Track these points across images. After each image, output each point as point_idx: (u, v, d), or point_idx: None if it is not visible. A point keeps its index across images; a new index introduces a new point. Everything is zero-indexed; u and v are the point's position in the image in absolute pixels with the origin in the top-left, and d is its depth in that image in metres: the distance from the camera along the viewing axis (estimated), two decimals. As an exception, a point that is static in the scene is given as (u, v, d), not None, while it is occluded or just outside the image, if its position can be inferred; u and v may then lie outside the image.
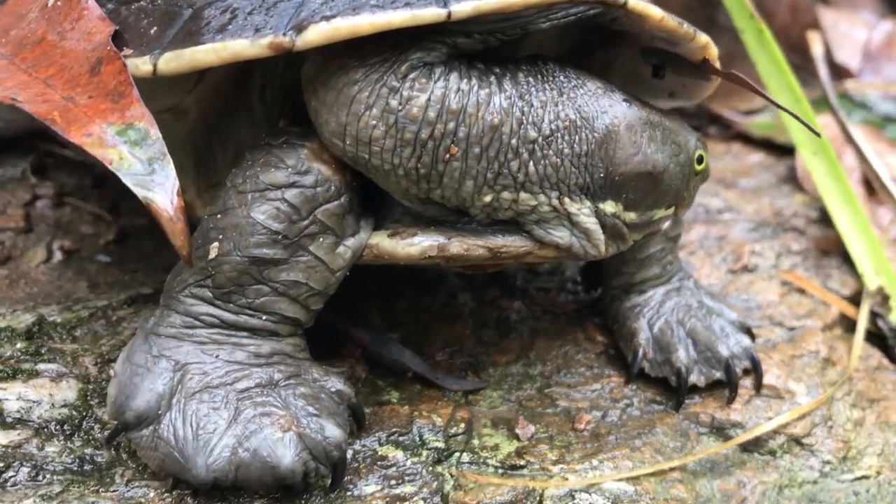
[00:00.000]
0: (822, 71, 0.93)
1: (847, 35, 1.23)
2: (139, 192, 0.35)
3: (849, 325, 0.71)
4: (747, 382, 0.58)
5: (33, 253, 0.63)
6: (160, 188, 0.35)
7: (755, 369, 0.57)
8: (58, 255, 0.63)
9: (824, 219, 0.85)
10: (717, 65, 0.50)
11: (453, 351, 0.57)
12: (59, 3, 0.46)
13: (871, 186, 0.90)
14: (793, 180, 0.95)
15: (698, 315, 0.57)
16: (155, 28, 0.42)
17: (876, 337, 0.72)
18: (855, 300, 0.73)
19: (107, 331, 0.51)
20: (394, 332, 0.56)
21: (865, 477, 0.56)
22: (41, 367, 0.47)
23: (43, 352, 0.49)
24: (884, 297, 0.73)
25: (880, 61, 1.16)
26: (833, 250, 0.77)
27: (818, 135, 0.54)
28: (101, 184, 0.75)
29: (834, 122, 0.96)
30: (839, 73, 1.13)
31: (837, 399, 0.60)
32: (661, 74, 0.55)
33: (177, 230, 0.36)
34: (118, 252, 0.64)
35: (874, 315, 0.71)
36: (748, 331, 0.59)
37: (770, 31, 1.06)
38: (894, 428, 0.62)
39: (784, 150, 1.05)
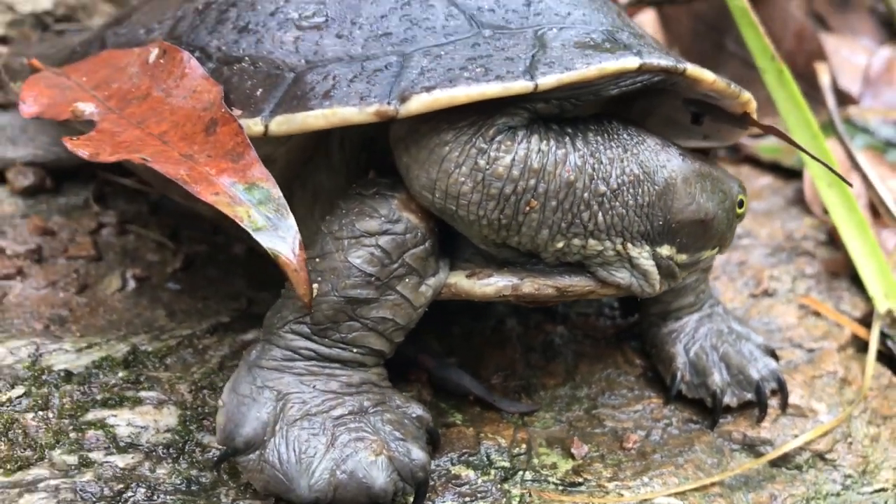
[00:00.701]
0: (830, 101, 0.98)
1: (848, 61, 1.29)
2: (267, 247, 0.39)
3: (860, 345, 0.76)
4: (774, 402, 0.63)
5: (108, 281, 0.67)
6: (285, 243, 0.40)
7: (781, 390, 0.62)
8: (131, 283, 0.67)
9: (832, 241, 0.90)
10: (755, 116, 0.55)
11: (506, 374, 0.62)
12: (161, 60, 0.50)
13: (877, 211, 0.96)
14: (801, 203, 1.00)
15: (729, 340, 0.62)
16: (260, 90, 0.46)
17: (886, 357, 0.78)
18: (866, 322, 0.78)
19: (195, 359, 0.56)
20: (451, 357, 0.61)
21: (883, 489, 0.61)
22: (142, 394, 0.52)
23: (142, 380, 0.53)
24: (893, 320, 0.79)
25: (880, 86, 1.21)
26: (841, 272, 0.83)
27: (850, 185, 0.59)
28: (158, 210, 0.79)
29: (840, 147, 1.02)
30: (841, 98, 1.18)
31: (855, 417, 0.65)
32: (700, 121, 0.60)
33: (301, 280, 0.40)
34: (186, 279, 0.68)
35: (884, 336, 0.77)
36: (773, 353, 0.64)
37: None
38: (888, 428, 0.67)
39: (791, 174, 1.10)
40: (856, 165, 0.92)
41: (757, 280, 0.76)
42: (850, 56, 1.24)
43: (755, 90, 1.12)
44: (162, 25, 0.54)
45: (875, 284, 0.76)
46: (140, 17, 0.59)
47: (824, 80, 0.98)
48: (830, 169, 0.57)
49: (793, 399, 0.65)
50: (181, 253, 0.71)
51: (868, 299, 0.78)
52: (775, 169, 1.07)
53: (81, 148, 0.44)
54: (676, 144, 0.51)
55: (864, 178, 0.92)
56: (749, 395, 0.60)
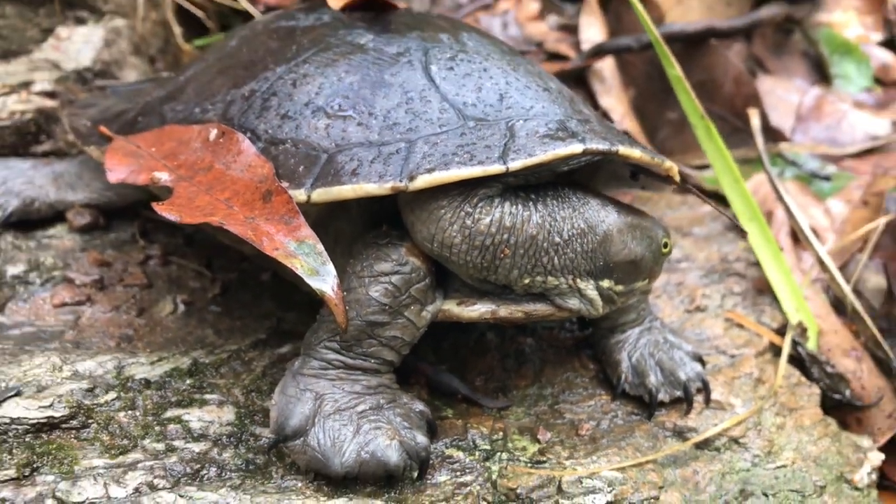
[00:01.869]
0: (759, 142, 1.14)
1: (782, 100, 1.45)
2: (316, 287, 0.54)
3: (776, 351, 0.92)
4: (700, 398, 0.79)
5: (161, 305, 0.81)
6: (327, 284, 0.54)
7: (705, 389, 0.77)
8: (180, 307, 0.81)
9: (759, 264, 1.07)
10: (678, 178, 0.70)
11: (486, 377, 0.77)
12: (220, 139, 0.65)
13: (797, 236, 1.12)
14: (736, 227, 1.17)
15: (664, 349, 0.78)
16: (301, 167, 0.61)
17: (797, 360, 0.93)
18: (781, 332, 0.94)
19: (243, 368, 0.70)
20: (443, 365, 0.76)
21: (784, 466, 0.76)
22: (206, 397, 0.66)
23: (204, 386, 0.67)
24: (803, 330, 0.94)
25: (809, 123, 1.38)
26: (766, 290, 0.99)
27: (744, 233, 0.75)
28: (192, 243, 0.93)
29: (767, 183, 1.18)
30: (775, 135, 1.34)
31: (765, 409, 0.80)
32: (637, 178, 0.75)
33: (339, 311, 0.55)
34: (224, 303, 0.83)
35: (795, 343, 0.92)
36: (700, 359, 0.80)
37: (714, 107, 1.29)
38: (806, 430, 0.82)
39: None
40: (780, 197, 1.08)
41: (691, 298, 0.92)
42: (784, 95, 1.41)
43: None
44: (215, 107, 0.69)
45: (788, 301, 0.92)
46: (191, 96, 0.73)
47: (755, 122, 1.14)
48: (731, 219, 0.73)
49: (714, 395, 0.80)
50: (218, 280, 0.85)
51: (784, 313, 0.95)
52: (716, 197, 1.23)
53: (169, 212, 0.59)
54: (614, 201, 0.66)
55: (787, 208, 1.08)
56: (679, 393, 0.76)
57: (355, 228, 0.65)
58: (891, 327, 1.01)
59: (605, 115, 1.31)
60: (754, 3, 1.37)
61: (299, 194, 0.58)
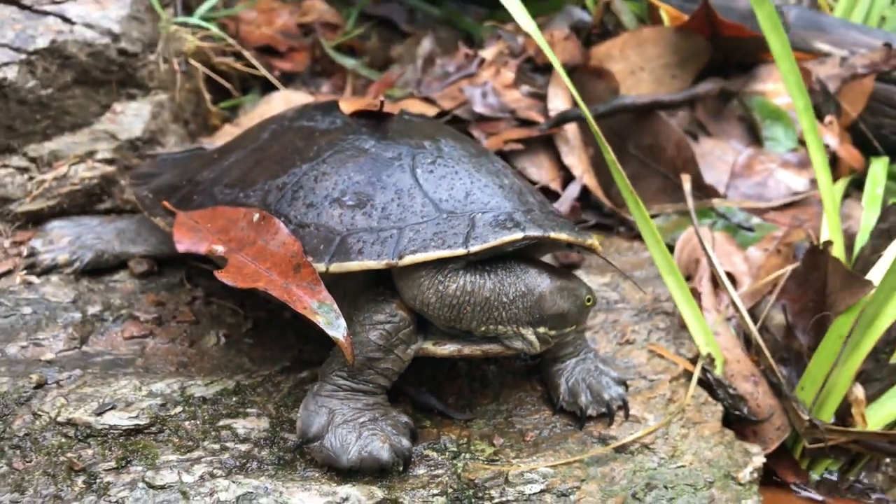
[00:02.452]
0: (690, 203, 1.37)
1: (719, 159, 1.67)
2: (331, 335, 0.77)
3: (689, 377, 1.15)
4: (620, 413, 1.02)
5: (207, 338, 1.04)
6: (340, 332, 0.77)
7: (625, 406, 0.99)
8: (222, 340, 1.04)
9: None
10: (599, 250, 0.94)
11: (457, 396, 0.99)
12: (261, 222, 0.88)
13: (717, 282, 1.35)
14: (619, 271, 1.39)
15: (594, 375, 1.01)
16: (322, 246, 0.84)
17: (706, 384, 1.16)
18: (694, 361, 1.18)
19: (273, 389, 0.93)
20: (424, 387, 0.99)
21: (683, 466, 0.97)
22: (248, 410, 0.89)
23: (246, 402, 0.90)
24: (711, 359, 1.17)
25: (741, 180, 1.61)
26: (685, 327, 1.22)
27: (642, 291, 0.98)
28: (227, 287, 1.16)
29: (698, 234, 1.41)
30: (709, 191, 1.58)
31: (673, 422, 1.03)
32: (573, 248, 0.99)
33: (348, 352, 0.78)
34: (256, 336, 1.05)
35: (704, 370, 1.15)
36: (623, 383, 1.03)
37: (660, 167, 1.52)
38: (706, 439, 1.04)
39: (669, 248, 1.51)
40: (703, 249, 1.32)
41: (622, 333, 1.15)
42: (721, 155, 1.63)
43: (648, 183, 1.52)
44: (255, 194, 0.92)
45: (699, 336, 1.15)
46: (236, 182, 0.96)
47: (686, 187, 1.38)
48: (620, 271, 0.96)
49: (633, 412, 1.02)
50: (249, 317, 1.08)
51: (696, 346, 1.18)
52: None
53: (227, 278, 0.82)
54: (549, 268, 0.90)
55: (708, 257, 1.31)
56: (603, 409, 0.98)
57: (359, 288, 0.88)
58: (789, 357, 1.24)
59: (568, 172, 1.55)
60: (696, 76, 1.61)
61: (320, 266, 0.82)
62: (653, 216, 1.47)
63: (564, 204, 1.47)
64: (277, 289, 0.80)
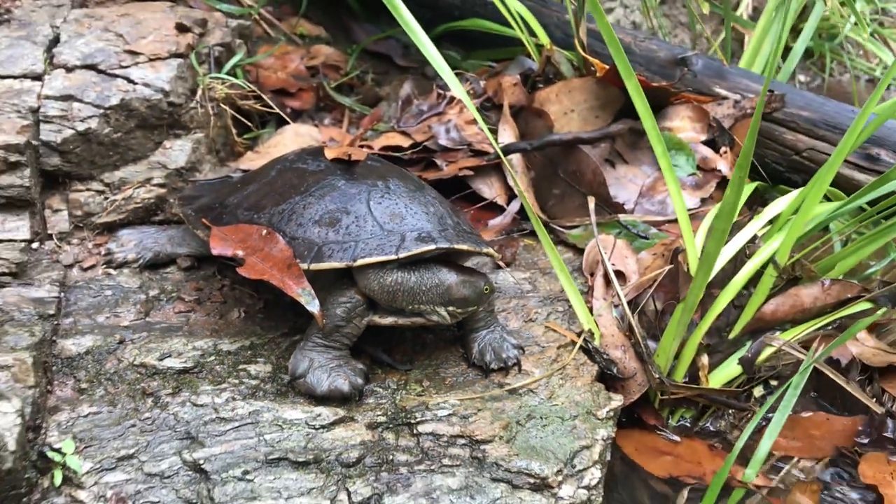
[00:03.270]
0: (593, 217, 1.78)
1: (632, 181, 2.07)
2: (310, 310, 1.22)
3: (573, 345, 1.57)
4: (516, 369, 1.45)
5: (232, 313, 1.48)
6: (315, 307, 1.22)
7: (518, 364, 1.37)
8: (242, 314, 1.47)
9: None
10: (497, 258, 1.38)
11: (402, 354, 1.43)
12: (267, 235, 1.33)
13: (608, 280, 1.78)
14: (579, 270, 1.83)
15: (498, 341, 1.41)
16: (305, 252, 1.28)
17: (587, 352, 1.59)
18: (579, 335, 1.61)
19: (276, 346, 1.37)
20: (379, 347, 1.44)
21: (556, 405, 1.35)
22: (258, 359, 1.33)
23: (257, 354, 1.34)
24: (591, 333, 1.60)
25: (646, 199, 2.02)
26: (580, 310, 1.65)
27: (500, 267, 1.42)
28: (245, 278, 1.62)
29: (600, 241, 1.84)
30: (618, 208, 2.00)
31: (555, 375, 1.46)
32: (481, 254, 1.43)
33: (320, 320, 1.23)
34: (265, 312, 1.49)
35: (585, 341, 1.58)
36: (520, 348, 1.41)
37: (580, 188, 1.95)
38: (578, 388, 1.37)
39: (580, 251, 1.94)
40: (600, 253, 1.75)
41: (528, 314, 1.57)
42: (633, 178, 2.05)
43: (572, 200, 1.94)
44: (264, 216, 1.36)
45: (582, 316, 1.58)
46: (252, 206, 1.40)
47: (591, 206, 1.80)
48: (496, 258, 1.40)
49: (525, 367, 1.42)
50: (261, 299, 1.52)
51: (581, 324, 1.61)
52: (576, 249, 1.89)
53: (245, 272, 1.27)
54: (459, 268, 1.34)
55: (602, 259, 1.74)
56: (502, 364, 1.36)
57: (331, 280, 1.30)
58: (657, 335, 1.68)
59: (512, 191, 1.98)
60: (614, 117, 2.04)
61: (304, 266, 1.26)
62: (573, 227, 1.89)
63: (508, 216, 1.91)
64: (276, 280, 1.25)
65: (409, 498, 1.16)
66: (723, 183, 1.99)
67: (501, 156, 1.49)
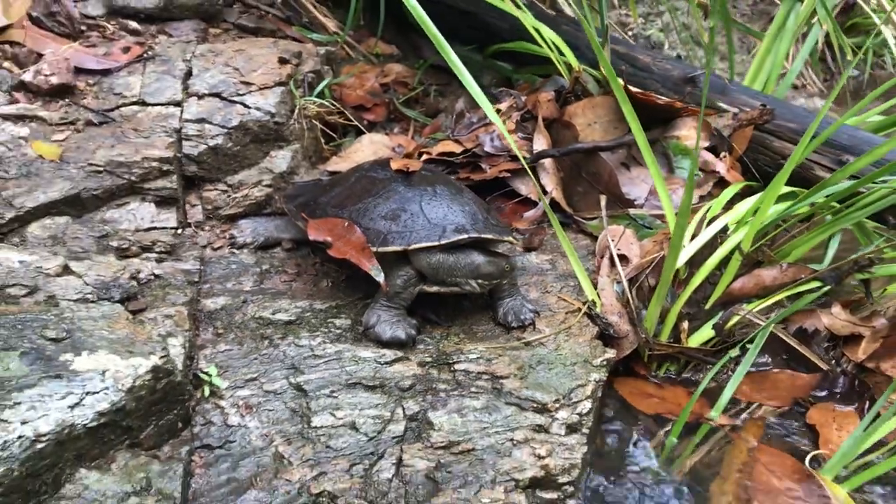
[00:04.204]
0: (604, 213, 2.23)
1: (644, 181, 2.53)
2: (378, 279, 1.72)
3: (579, 311, 2.04)
4: (531, 327, 1.92)
5: (323, 283, 1.99)
6: (381, 278, 1.71)
7: (533, 324, 1.78)
8: (329, 284, 1.99)
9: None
10: (515, 243, 1.85)
11: (446, 315, 1.93)
12: (348, 226, 1.84)
13: (613, 261, 2.22)
14: (593, 253, 2.29)
15: (518, 307, 1.87)
16: (374, 238, 1.77)
17: (590, 317, 2.05)
18: (585, 304, 2.06)
19: (353, 307, 1.86)
20: (428, 308, 1.93)
21: (561, 354, 1.83)
22: (341, 315, 1.83)
23: (340, 312, 1.84)
24: (594, 303, 2.05)
25: (654, 196, 2.46)
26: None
27: (515, 247, 1.89)
28: (331, 259, 2.13)
29: (609, 231, 2.29)
30: (630, 203, 2.44)
31: (562, 333, 1.93)
32: (503, 240, 1.91)
33: (385, 288, 1.73)
34: (347, 282, 1.99)
35: (590, 308, 2.04)
36: (536, 312, 1.86)
37: (598, 187, 2.40)
38: (580, 344, 1.85)
39: (595, 238, 2.39)
40: (608, 239, 2.19)
41: (545, 287, 2.02)
42: (645, 179, 2.49)
43: (592, 197, 2.43)
44: (346, 212, 1.87)
45: (587, 290, 2.04)
46: (337, 203, 1.91)
47: (603, 203, 2.25)
48: (515, 242, 1.87)
49: (539, 326, 1.90)
50: (344, 273, 2.04)
51: (587, 296, 2.07)
52: (592, 236, 2.35)
53: (333, 253, 1.77)
54: (487, 251, 1.81)
55: (608, 245, 2.19)
56: (521, 324, 1.85)
57: (393, 259, 1.81)
58: (646, 306, 2.12)
59: (543, 189, 2.45)
60: (629, 128, 2.47)
61: (374, 249, 1.76)
62: (592, 218, 2.35)
63: (539, 210, 2.38)
64: (355, 259, 1.75)
65: (445, 412, 1.65)
66: (720, 182, 2.41)
67: (525, 164, 1.96)
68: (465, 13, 2.86)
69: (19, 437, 1.18)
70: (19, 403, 1.26)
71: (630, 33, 4.50)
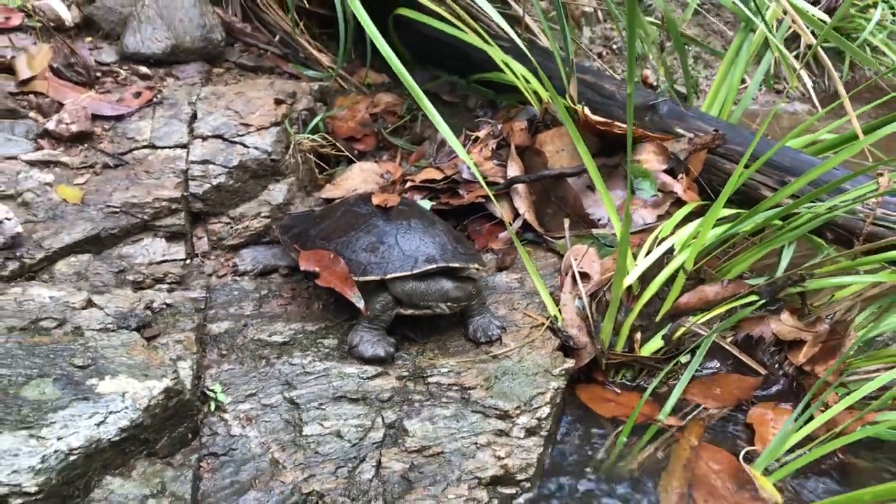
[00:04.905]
0: (566, 234, 2.48)
1: (596, 203, 2.79)
2: (358, 306, 1.98)
3: (542, 326, 2.29)
4: (498, 342, 2.17)
5: (314, 306, 2.25)
6: (361, 305, 1.98)
7: (499, 339, 2.02)
8: (320, 307, 2.26)
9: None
10: (482, 268, 2.10)
11: (421, 332, 2.19)
12: (334, 257, 2.10)
13: (575, 279, 2.47)
14: (559, 270, 2.54)
15: (486, 323, 2.11)
16: (356, 269, 2.03)
17: (553, 331, 2.30)
18: (548, 319, 2.31)
19: (340, 328, 2.13)
20: (406, 328, 2.19)
21: (524, 365, 2.10)
22: (329, 336, 2.10)
23: (328, 333, 2.10)
24: (555, 318, 2.30)
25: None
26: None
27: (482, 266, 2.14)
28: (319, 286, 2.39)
29: (573, 250, 2.53)
30: (593, 223, 2.68)
31: (525, 346, 2.17)
32: (469, 268, 2.16)
33: (364, 311, 1.99)
34: (335, 305, 2.27)
35: (552, 323, 2.29)
36: (503, 327, 2.14)
37: (565, 209, 2.65)
38: (542, 355, 2.14)
39: (560, 256, 2.64)
40: (571, 259, 2.44)
41: (512, 305, 2.28)
42: (598, 200, 2.75)
43: (559, 219, 2.69)
44: (332, 244, 2.12)
45: (550, 307, 2.29)
46: (324, 236, 2.18)
47: (566, 225, 2.50)
48: (478, 268, 2.13)
49: (505, 341, 2.16)
50: (332, 297, 2.31)
51: (550, 312, 2.31)
52: (559, 254, 2.60)
53: (320, 282, 2.04)
54: (456, 278, 2.06)
55: (571, 264, 2.43)
56: (488, 339, 2.10)
57: (372, 286, 2.07)
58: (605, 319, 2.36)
59: (516, 214, 2.69)
60: (594, 154, 2.71)
61: (355, 278, 2.03)
62: (560, 237, 2.61)
63: (513, 230, 2.63)
64: (339, 287, 2.01)
65: (419, 420, 1.91)
66: (677, 202, 2.65)
67: (489, 192, 2.19)
68: (449, 44, 3.10)
69: (55, 451, 1.44)
70: (54, 423, 1.53)
71: (615, 46, 4.73)
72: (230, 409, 1.86)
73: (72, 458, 1.48)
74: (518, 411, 1.94)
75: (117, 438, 1.56)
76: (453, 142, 2.09)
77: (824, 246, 2.52)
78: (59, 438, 1.49)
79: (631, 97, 1.54)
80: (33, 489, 1.40)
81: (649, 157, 2.69)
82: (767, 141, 2.59)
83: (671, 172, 2.49)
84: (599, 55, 4.42)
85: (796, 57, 3.66)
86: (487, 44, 2.49)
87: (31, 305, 1.85)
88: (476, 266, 2.06)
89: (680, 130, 2.69)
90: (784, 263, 2.24)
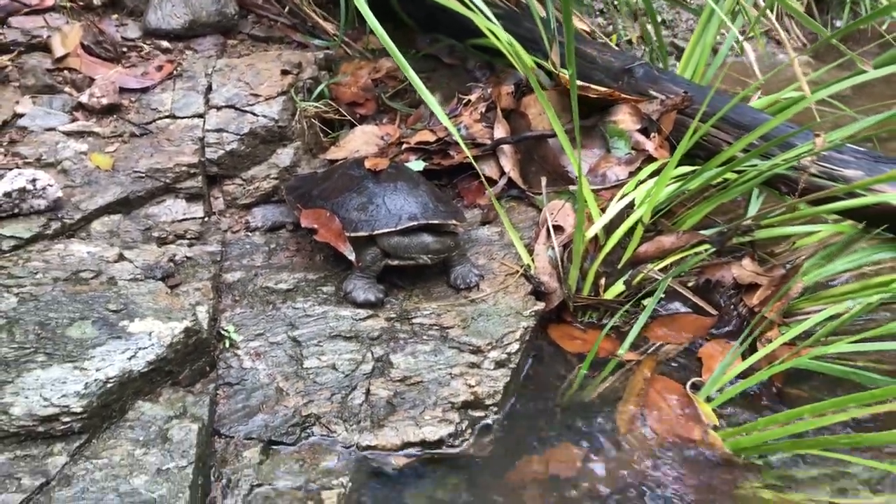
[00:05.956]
0: (543, 189, 2.74)
1: (585, 160, 3.03)
2: (350, 258, 2.28)
3: (517, 274, 2.58)
4: (476, 288, 2.46)
5: (316, 258, 2.56)
6: (353, 257, 2.28)
7: (477, 285, 2.24)
8: (321, 258, 2.57)
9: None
10: (460, 226, 2.39)
11: (408, 280, 2.48)
12: (329, 215, 2.41)
13: (549, 231, 2.74)
14: (538, 223, 2.81)
15: (466, 271, 2.36)
16: (348, 226, 2.33)
17: (526, 278, 2.57)
18: (522, 267, 2.60)
19: (337, 277, 2.44)
20: (394, 276, 2.49)
21: (498, 307, 2.39)
22: (328, 284, 2.40)
23: (327, 281, 2.39)
24: (529, 266, 2.58)
25: (594, 173, 2.95)
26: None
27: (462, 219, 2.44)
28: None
29: (549, 206, 2.80)
30: (571, 180, 2.94)
31: (500, 291, 2.47)
32: (448, 223, 2.45)
33: (355, 262, 2.29)
34: (330, 259, 2.57)
35: (526, 270, 2.57)
36: (481, 275, 2.35)
37: (546, 167, 2.93)
38: (514, 299, 2.39)
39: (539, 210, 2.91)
40: (545, 213, 2.71)
41: (490, 255, 2.55)
42: (586, 158, 3.00)
43: (541, 176, 2.97)
44: (329, 203, 2.41)
45: (524, 256, 2.56)
46: (323, 196, 2.48)
47: (543, 182, 2.77)
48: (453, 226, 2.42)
49: (482, 287, 2.45)
50: (331, 250, 2.62)
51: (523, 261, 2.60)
52: (539, 208, 2.87)
53: (318, 237, 2.34)
54: (437, 233, 2.35)
55: (546, 217, 2.70)
56: (467, 285, 2.42)
57: (362, 241, 2.36)
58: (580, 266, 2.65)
59: (502, 172, 2.96)
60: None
61: (348, 234, 2.32)
62: (538, 193, 2.88)
63: (498, 188, 2.91)
64: (333, 242, 2.32)
65: (403, 355, 2.23)
66: (648, 159, 2.90)
67: (469, 154, 2.46)
68: (444, 10, 3.34)
69: (95, 380, 1.76)
70: (94, 357, 1.87)
71: (607, 13, 4.91)
72: (242, 346, 2.19)
73: (109, 385, 1.82)
74: (489, 347, 2.24)
75: (146, 370, 1.90)
76: (436, 109, 2.36)
77: (788, 198, 2.76)
78: (97, 370, 1.83)
79: (572, 66, 1.78)
80: (79, 409, 1.75)
81: (624, 118, 2.92)
82: (747, 107, 2.81)
83: (645, 132, 2.73)
84: (601, 12, 4.61)
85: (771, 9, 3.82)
86: (471, 10, 2.73)
87: (72, 259, 2.18)
88: (454, 222, 2.35)
89: (653, 93, 2.92)
90: (751, 214, 2.50)
